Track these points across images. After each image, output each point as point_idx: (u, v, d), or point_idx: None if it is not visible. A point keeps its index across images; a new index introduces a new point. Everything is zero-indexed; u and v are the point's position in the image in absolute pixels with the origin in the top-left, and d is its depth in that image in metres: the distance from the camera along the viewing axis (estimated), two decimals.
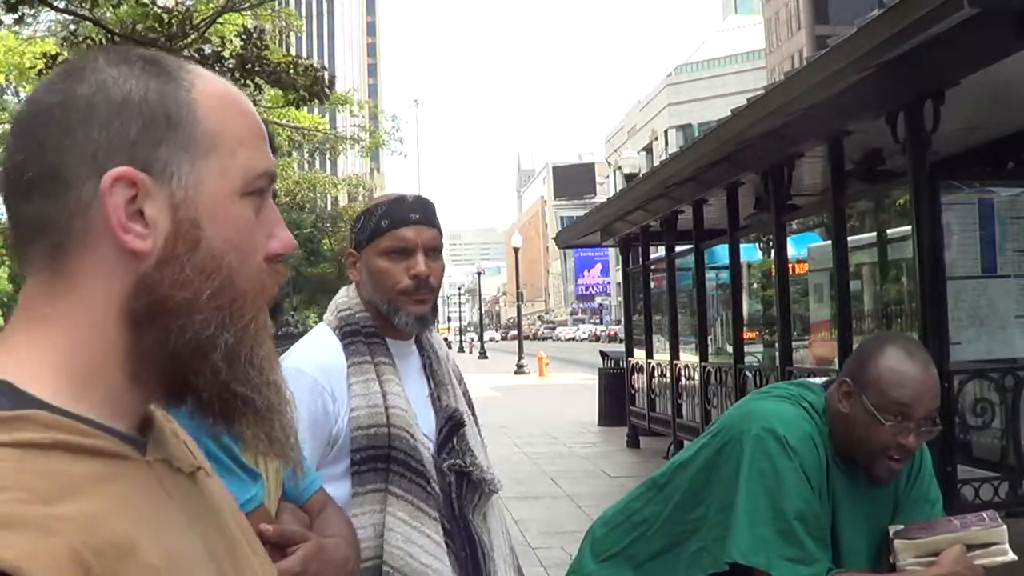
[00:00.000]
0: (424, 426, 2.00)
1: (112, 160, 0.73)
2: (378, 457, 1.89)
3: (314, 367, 1.93)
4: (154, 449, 0.77)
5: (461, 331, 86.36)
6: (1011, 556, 2.07)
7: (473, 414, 2.17)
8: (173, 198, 0.75)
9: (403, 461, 1.90)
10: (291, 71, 11.91)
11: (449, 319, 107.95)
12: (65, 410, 0.70)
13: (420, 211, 2.02)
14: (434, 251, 2.01)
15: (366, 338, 2.02)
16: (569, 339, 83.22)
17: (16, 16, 11.82)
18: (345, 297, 2.10)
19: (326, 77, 12.51)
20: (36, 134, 0.74)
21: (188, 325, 0.75)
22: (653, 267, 12.43)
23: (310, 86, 11.87)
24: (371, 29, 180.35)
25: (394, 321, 2.01)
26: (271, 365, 0.79)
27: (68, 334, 0.73)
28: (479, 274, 65.56)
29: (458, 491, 1.98)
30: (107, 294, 0.74)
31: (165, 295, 0.74)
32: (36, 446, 0.67)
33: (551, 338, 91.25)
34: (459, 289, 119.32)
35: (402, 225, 2.00)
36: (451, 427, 2.03)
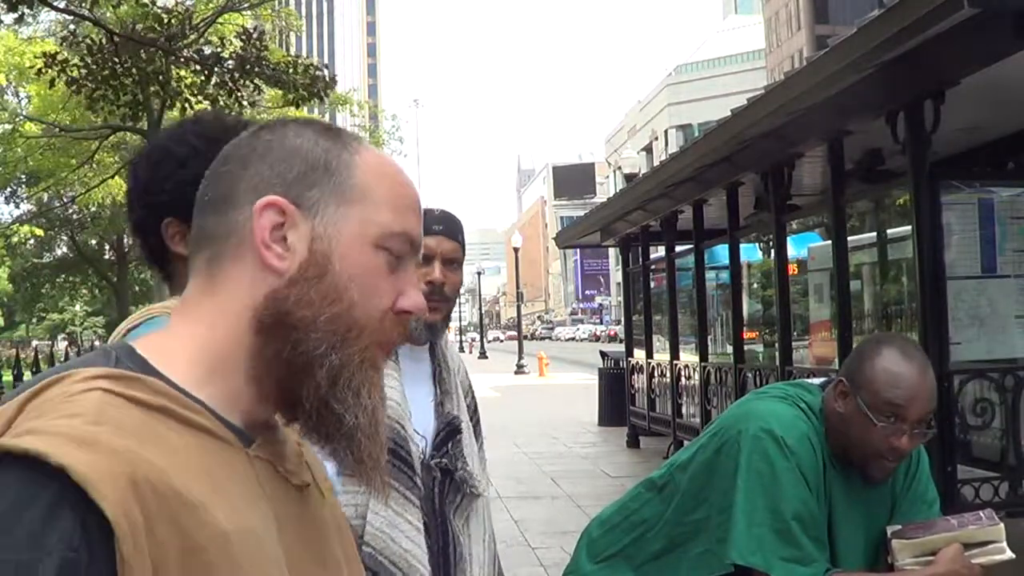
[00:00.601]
0: (422, 426, 2.10)
1: (270, 190, 0.87)
2: None
3: None
4: (260, 448, 0.87)
5: (461, 331, 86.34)
6: (1009, 555, 2.07)
7: (477, 426, 2.26)
8: (314, 231, 0.87)
9: (392, 450, 2.00)
10: (290, 71, 11.90)
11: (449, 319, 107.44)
12: (182, 387, 0.82)
13: (443, 223, 2.15)
14: (452, 263, 2.13)
15: None
16: (569, 339, 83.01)
17: (16, 15, 11.81)
18: None
19: (326, 76, 12.50)
20: (224, 165, 0.91)
21: (303, 340, 0.85)
22: (653, 267, 12.43)
23: (309, 86, 11.86)
24: (371, 29, 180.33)
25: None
26: (371, 393, 0.88)
27: (207, 330, 0.86)
28: (479, 274, 65.56)
29: (441, 488, 2.08)
30: (244, 301, 0.86)
31: (289, 310, 0.86)
32: (143, 404, 0.78)
33: (549, 338, 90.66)
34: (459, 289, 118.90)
35: (425, 233, 2.09)
36: (448, 432, 2.13)
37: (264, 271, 0.86)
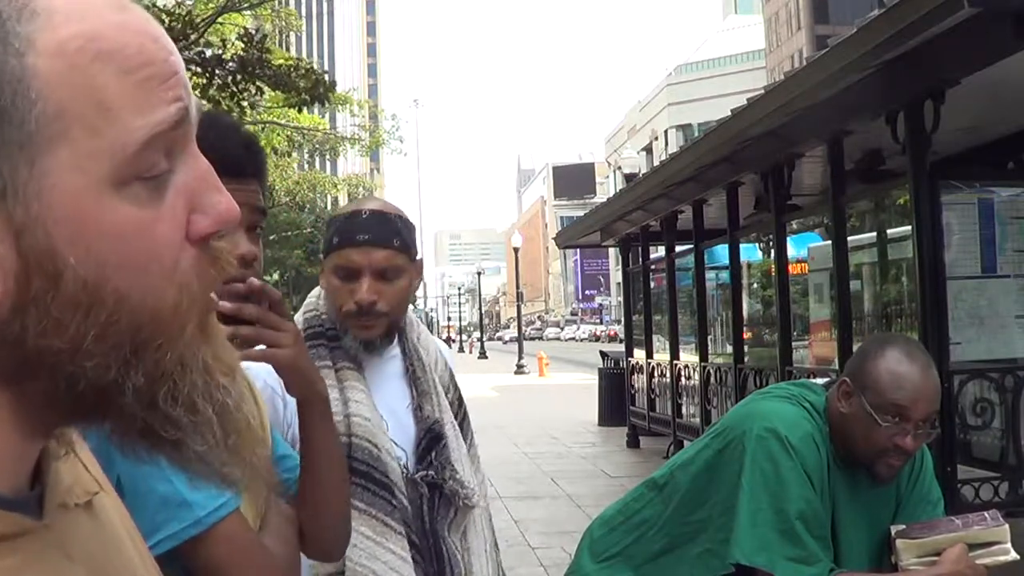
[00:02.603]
0: (400, 436, 1.90)
1: None
2: None
3: (266, 368, 1.68)
4: (51, 499, 0.60)
5: (461, 331, 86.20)
6: (1013, 555, 2.07)
7: (463, 424, 2.04)
8: (12, 222, 0.52)
9: (365, 473, 1.79)
10: (292, 74, 11.94)
11: (449, 319, 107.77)
12: None
13: (371, 230, 1.83)
14: (388, 272, 1.84)
15: (329, 341, 1.89)
16: (569, 339, 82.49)
17: None
18: (314, 298, 1.98)
19: (327, 80, 12.55)
20: None
21: (79, 374, 0.55)
22: (653, 267, 12.44)
23: (311, 89, 11.89)
24: (371, 29, 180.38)
25: (342, 342, 1.90)
26: (210, 394, 0.59)
27: None
28: (479, 274, 65.50)
29: (430, 504, 1.87)
30: None
31: (36, 347, 0.54)
32: None
33: (539, 338, 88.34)
34: (459, 289, 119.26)
35: (349, 245, 1.83)
36: (430, 439, 1.92)
37: None
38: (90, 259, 0.54)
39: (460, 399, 2.07)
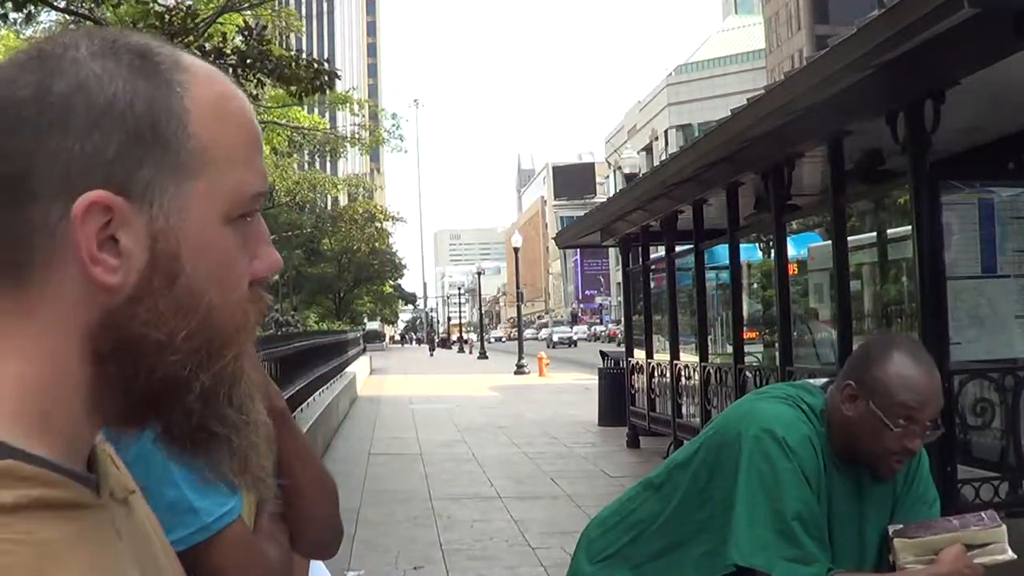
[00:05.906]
0: None
1: (86, 178, 0.63)
2: None
3: None
4: (104, 484, 0.68)
5: (462, 329, 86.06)
6: (1010, 555, 2.07)
7: None
8: (152, 226, 0.65)
9: None
10: (293, 65, 11.92)
11: (449, 319, 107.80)
12: (35, 455, 0.61)
13: None
14: None
15: None
16: (559, 341, 79.96)
17: (25, 14, 11.80)
18: None
19: (327, 69, 12.54)
20: (4, 133, 0.64)
21: (159, 365, 0.66)
22: (653, 267, 12.43)
23: (312, 79, 11.88)
24: (371, 29, 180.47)
25: None
26: (252, 403, 0.72)
27: (26, 362, 0.64)
28: (479, 274, 65.53)
29: None
30: (71, 325, 0.64)
31: (136, 334, 0.65)
32: (17, 508, 0.58)
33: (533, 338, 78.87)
34: (459, 289, 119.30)
35: None
36: None
37: (93, 287, 0.64)
38: (199, 271, 0.66)
39: None
